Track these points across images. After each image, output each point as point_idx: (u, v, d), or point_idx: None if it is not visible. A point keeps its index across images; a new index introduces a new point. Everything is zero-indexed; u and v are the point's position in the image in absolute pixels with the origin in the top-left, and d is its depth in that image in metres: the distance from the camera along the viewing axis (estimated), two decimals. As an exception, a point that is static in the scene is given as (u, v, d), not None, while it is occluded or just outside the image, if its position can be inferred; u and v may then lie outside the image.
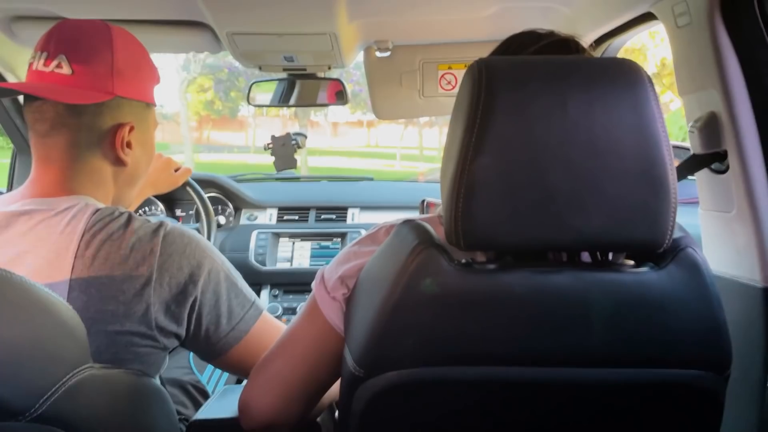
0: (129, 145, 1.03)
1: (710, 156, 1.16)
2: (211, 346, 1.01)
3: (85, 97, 0.96)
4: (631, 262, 0.77)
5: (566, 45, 0.92)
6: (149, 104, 1.06)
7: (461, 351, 0.72)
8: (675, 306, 0.73)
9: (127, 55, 1.01)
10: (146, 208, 2.27)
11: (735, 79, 1.08)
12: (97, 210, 0.94)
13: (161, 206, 2.36)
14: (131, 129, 1.02)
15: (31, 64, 0.99)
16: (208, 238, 2.08)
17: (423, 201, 1.41)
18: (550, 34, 0.93)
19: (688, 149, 1.22)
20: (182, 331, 0.97)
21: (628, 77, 0.71)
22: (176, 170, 1.52)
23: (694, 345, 0.74)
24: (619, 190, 0.69)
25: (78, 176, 0.99)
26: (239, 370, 1.04)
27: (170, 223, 0.99)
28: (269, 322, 1.06)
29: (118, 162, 1.03)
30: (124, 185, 1.07)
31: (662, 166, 0.70)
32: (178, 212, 2.43)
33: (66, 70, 0.96)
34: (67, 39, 0.98)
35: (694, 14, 1.11)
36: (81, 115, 0.97)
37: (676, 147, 1.43)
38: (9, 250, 0.91)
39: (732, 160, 1.12)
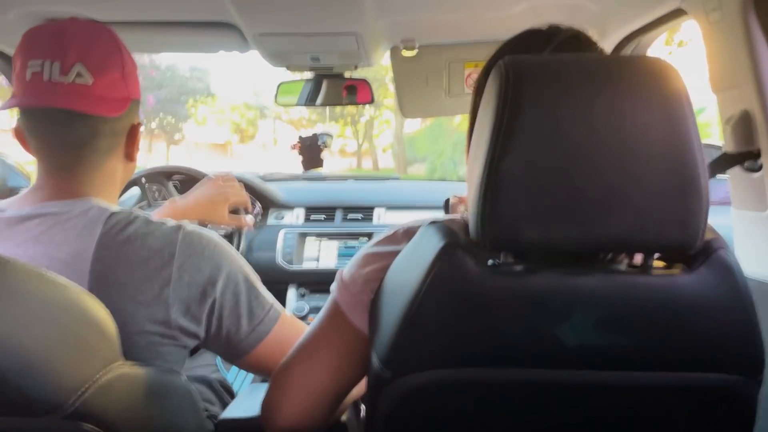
0: None
1: (743, 154, 1.14)
2: (232, 348, 1.01)
3: (115, 108, 0.96)
4: (662, 264, 0.76)
5: (579, 40, 0.89)
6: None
7: (488, 353, 0.72)
8: (706, 309, 0.71)
9: (129, 56, 1.01)
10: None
11: None
12: (113, 213, 0.93)
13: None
14: (139, 126, 1.04)
15: (38, 75, 0.92)
16: (238, 238, 2.10)
17: (447, 200, 1.40)
18: (557, 31, 0.90)
19: (719, 147, 1.20)
20: (201, 332, 0.97)
21: (657, 75, 0.70)
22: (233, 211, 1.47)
23: (726, 348, 0.73)
24: (648, 191, 0.68)
25: (92, 180, 0.98)
26: (262, 371, 1.05)
27: (188, 224, 0.98)
28: (290, 322, 1.06)
29: (129, 159, 1.05)
30: (123, 181, 1.08)
31: (693, 167, 0.68)
32: None
33: (87, 79, 0.93)
34: (78, 45, 0.93)
35: (727, 9, 1.09)
36: (104, 124, 0.97)
37: (707, 145, 1.40)
38: (20, 253, 0.89)
39: (766, 158, 1.09)
